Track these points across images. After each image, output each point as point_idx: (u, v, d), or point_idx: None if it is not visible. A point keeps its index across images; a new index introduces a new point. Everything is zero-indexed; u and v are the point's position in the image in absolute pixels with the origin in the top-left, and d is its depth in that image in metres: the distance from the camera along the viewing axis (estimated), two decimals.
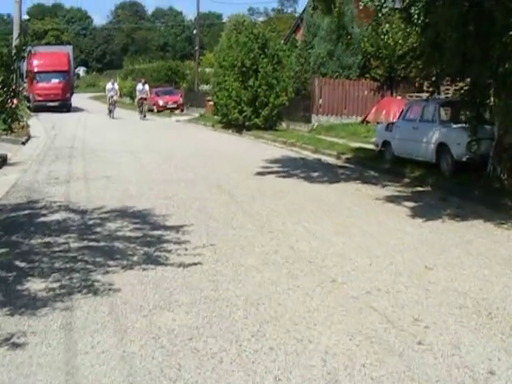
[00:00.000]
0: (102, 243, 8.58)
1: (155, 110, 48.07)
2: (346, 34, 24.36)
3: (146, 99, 40.41)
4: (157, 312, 6.14)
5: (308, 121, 31.30)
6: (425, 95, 30.53)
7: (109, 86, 40.80)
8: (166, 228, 9.50)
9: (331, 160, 19.81)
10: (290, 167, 17.37)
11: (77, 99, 51.71)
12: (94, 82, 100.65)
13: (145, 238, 8.86)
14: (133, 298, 6.50)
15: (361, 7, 12.53)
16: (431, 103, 16.36)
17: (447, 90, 23.76)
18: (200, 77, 54.86)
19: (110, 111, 39.82)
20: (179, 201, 11.85)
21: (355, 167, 18.12)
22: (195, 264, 7.63)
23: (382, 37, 12.93)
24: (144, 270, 7.39)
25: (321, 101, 31.54)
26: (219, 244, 8.64)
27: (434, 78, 15.13)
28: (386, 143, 18.31)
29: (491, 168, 14.07)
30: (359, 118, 30.73)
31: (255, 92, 29.43)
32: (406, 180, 15.72)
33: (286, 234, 9.36)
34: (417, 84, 32.32)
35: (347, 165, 18.66)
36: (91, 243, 8.57)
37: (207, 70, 62.56)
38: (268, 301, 6.48)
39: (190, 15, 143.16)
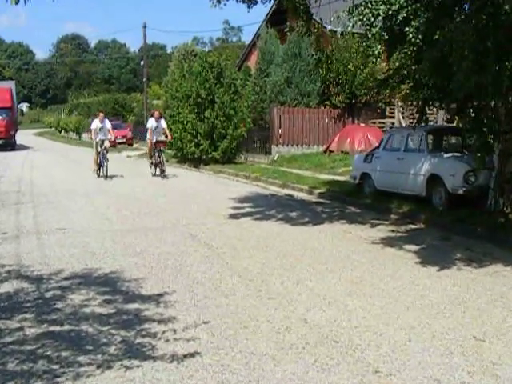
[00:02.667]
0: (66, 326, 6.73)
1: None
2: (325, 58, 23.15)
3: (165, 144, 25.60)
4: None
5: (268, 152, 29.91)
6: (389, 121, 29.54)
7: (95, 124, 24.38)
8: (143, 299, 7.71)
9: (304, 196, 18.34)
10: (263, 206, 15.78)
11: (21, 136, 49.51)
12: (38, 117, 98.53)
13: (119, 316, 7.04)
14: None
15: (349, 28, 11.05)
16: (417, 131, 14.95)
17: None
18: (148, 109, 53.33)
19: (100, 166, 23.91)
20: (151, 258, 10.06)
21: (332, 203, 16.66)
22: (192, 355, 5.86)
23: (374, 60, 11.38)
24: (127, 368, 5.58)
25: (280, 130, 30.18)
26: (214, 321, 6.88)
27: (420, 103, 13.68)
28: (364, 176, 16.87)
29: (492, 201, 12.71)
30: (321, 148, 29.47)
31: (212, 124, 27.93)
32: (394, 216, 14.30)
33: (290, 300, 7.67)
34: (379, 110, 31.35)
35: (323, 200, 17.19)
36: (53, 327, 6.71)
37: (154, 101, 61.25)
38: None
39: (133, 47, 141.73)
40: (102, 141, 24.08)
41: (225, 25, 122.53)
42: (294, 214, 14.84)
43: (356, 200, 16.38)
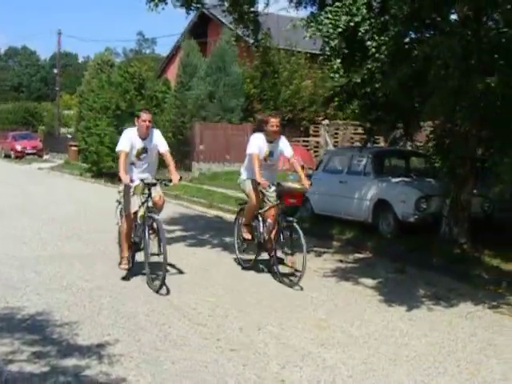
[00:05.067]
0: None
1: (12, 156, 44.41)
2: (272, 72, 22.07)
3: (301, 199, 10.46)
4: None
5: (188, 169, 28.75)
6: (313, 140, 28.86)
7: (128, 139, 9.29)
8: (81, 351, 6.34)
9: (234, 218, 17.19)
10: (193, 230, 14.63)
11: None
12: None
13: (56, 377, 5.61)
14: None
15: (307, 38, 10.05)
16: (361, 153, 14.06)
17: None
18: (59, 119, 51.38)
19: (135, 250, 9.68)
20: (81, 294, 8.68)
21: None
22: None
23: (332, 75, 10.41)
24: None
25: (202, 147, 29.13)
26: None
27: (369, 124, 12.85)
28: None
29: (446, 229, 11.91)
30: None
31: None
32: (337, 243, 13.46)
33: (257, 353, 6.47)
34: (302, 128, 30.72)
35: None
36: None
37: (65, 112, 59.29)
38: None
39: (44, 55, 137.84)
40: (146, 186, 9.33)
41: (138, 36, 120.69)
42: (229, 239, 13.65)
43: None
